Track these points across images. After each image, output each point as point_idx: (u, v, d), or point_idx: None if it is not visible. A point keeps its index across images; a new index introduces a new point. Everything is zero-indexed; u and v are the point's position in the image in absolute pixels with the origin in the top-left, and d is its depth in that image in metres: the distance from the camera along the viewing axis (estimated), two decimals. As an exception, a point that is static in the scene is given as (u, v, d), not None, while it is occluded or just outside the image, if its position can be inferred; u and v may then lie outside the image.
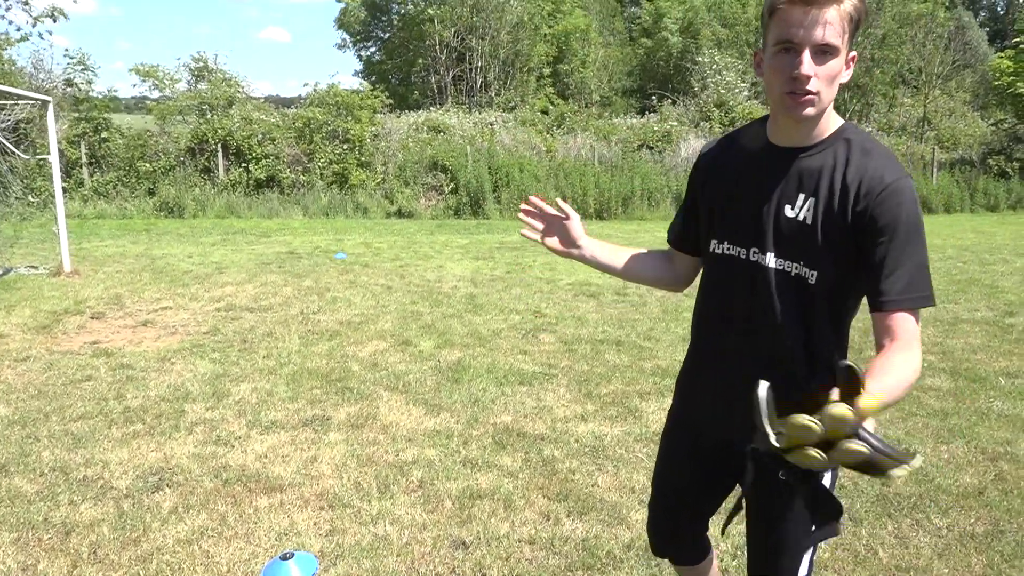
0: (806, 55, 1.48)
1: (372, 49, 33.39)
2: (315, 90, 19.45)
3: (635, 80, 33.32)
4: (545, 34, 30.08)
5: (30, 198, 15.09)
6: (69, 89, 18.87)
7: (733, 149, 1.79)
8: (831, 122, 1.62)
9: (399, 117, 22.39)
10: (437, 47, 28.20)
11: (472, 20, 28.24)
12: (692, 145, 20.87)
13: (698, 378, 1.91)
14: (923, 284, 1.54)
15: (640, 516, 3.35)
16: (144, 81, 19.65)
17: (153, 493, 3.60)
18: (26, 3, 18.33)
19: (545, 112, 25.37)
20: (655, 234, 15.08)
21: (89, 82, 19.01)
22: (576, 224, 1.98)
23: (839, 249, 1.57)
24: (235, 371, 5.57)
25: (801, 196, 1.60)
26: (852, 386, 1.21)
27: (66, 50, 44.38)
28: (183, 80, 20.13)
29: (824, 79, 1.50)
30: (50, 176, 17.00)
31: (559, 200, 1.98)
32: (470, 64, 28.77)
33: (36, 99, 9.32)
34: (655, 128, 21.99)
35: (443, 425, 4.47)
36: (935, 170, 21.94)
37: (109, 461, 3.96)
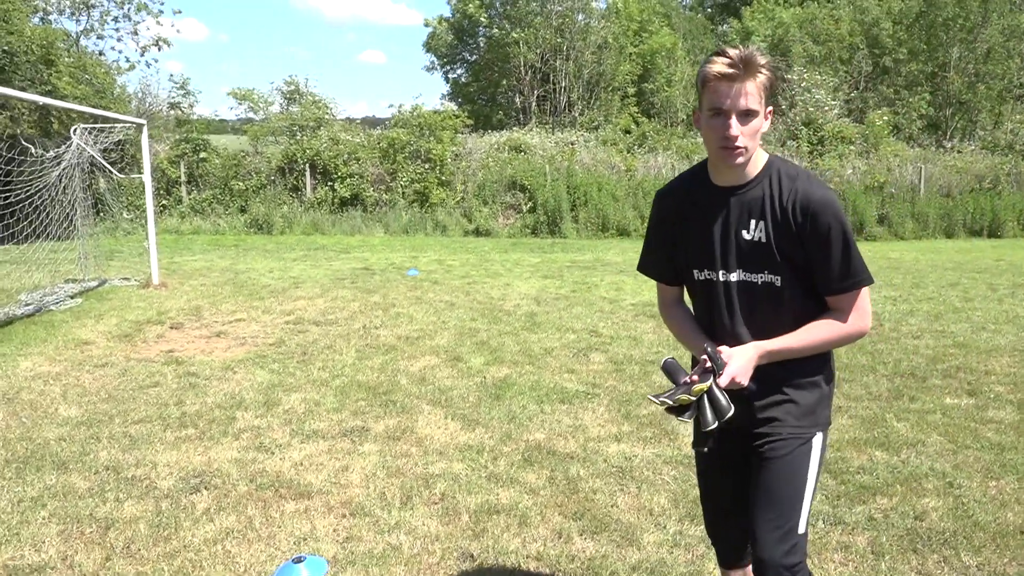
0: (733, 120, 1.88)
1: (459, 71, 34.13)
2: (399, 111, 20.03)
3: (722, 98, 32.72)
4: (630, 54, 30.02)
5: (124, 214, 16.09)
6: (172, 112, 20.07)
7: (686, 193, 2.15)
8: (759, 160, 2.02)
9: (482, 137, 22.77)
10: (522, 68, 28.56)
11: (556, 42, 28.48)
12: (777, 164, 20.38)
13: None
14: (855, 270, 1.98)
15: (653, 538, 3.33)
16: (240, 103, 20.69)
17: (191, 494, 3.80)
18: (135, 33, 19.62)
19: (628, 131, 25.29)
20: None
21: (191, 105, 20.21)
22: None
23: (792, 256, 1.98)
24: (290, 381, 5.81)
25: (752, 221, 2.01)
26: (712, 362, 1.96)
27: (171, 75, 47.14)
28: (276, 103, 21.09)
29: (748, 135, 1.91)
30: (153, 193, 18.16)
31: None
32: (554, 84, 28.99)
33: (132, 123, 9.99)
34: (739, 147, 21.58)
35: (476, 440, 4.54)
36: (1044, 190, 20.68)
37: (158, 462, 4.20)
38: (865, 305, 2.02)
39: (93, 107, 16.23)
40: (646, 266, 2.32)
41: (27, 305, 8.65)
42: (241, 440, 4.56)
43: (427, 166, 19.30)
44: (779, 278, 2.00)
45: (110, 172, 10.56)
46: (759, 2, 34.25)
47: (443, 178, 19.40)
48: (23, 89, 15.67)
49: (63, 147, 9.19)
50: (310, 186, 19.14)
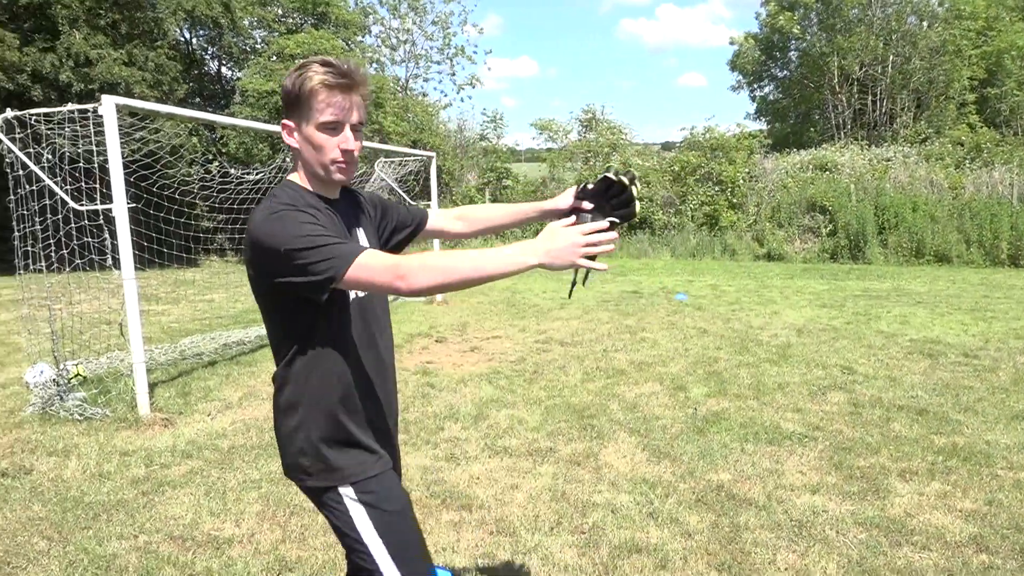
0: (348, 132, 1.84)
1: (767, 88, 32.69)
2: (691, 133, 19.80)
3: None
4: (970, 56, 26.39)
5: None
6: (482, 143, 21.95)
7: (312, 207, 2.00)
8: None
9: (787, 156, 21.59)
10: (837, 81, 26.57)
11: (880, 50, 26.06)
12: None
13: (374, 417, 2.00)
14: None
15: (796, 606, 2.95)
16: (541, 133, 21.97)
17: (373, 494, 4.16)
18: (452, 74, 21.83)
19: (960, 143, 22.24)
20: (1078, 287, 12.30)
21: (499, 137, 21.91)
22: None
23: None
24: (508, 398, 6.06)
25: (359, 230, 2.03)
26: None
27: (484, 110, 51.33)
28: (574, 130, 22.03)
29: (358, 149, 1.89)
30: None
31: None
32: (873, 96, 26.51)
33: (422, 155, 11.16)
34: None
35: (656, 474, 4.36)
36: None
37: (360, 462, 4.65)
38: None
39: (413, 142, 18.41)
40: (354, 251, 1.73)
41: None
42: (439, 449, 4.87)
43: (718, 188, 18.80)
44: None
45: (406, 201, 11.86)
46: None
47: (734, 200, 18.75)
48: (359, 129, 18.33)
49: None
50: (601, 210, 19.66)
